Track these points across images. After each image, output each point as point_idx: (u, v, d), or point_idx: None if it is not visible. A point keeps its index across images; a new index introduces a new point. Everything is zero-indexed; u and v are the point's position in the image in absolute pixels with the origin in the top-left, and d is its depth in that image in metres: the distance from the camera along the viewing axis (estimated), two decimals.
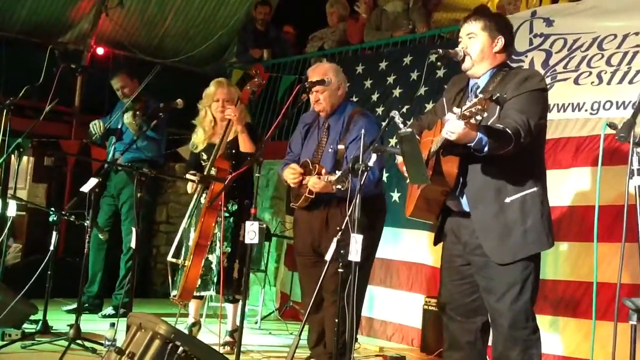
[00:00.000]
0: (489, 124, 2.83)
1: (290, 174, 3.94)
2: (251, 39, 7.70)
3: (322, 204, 3.89)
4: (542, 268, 3.03)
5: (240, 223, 4.41)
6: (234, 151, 4.41)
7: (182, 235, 4.40)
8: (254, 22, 7.76)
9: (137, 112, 5.26)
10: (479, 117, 2.59)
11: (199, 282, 4.29)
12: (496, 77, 2.96)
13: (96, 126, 5.45)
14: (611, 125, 2.87)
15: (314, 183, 3.78)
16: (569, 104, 4.48)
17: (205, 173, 4.32)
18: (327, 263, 3.15)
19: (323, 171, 3.79)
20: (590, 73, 4.48)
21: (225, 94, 4.52)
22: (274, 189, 6.59)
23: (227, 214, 4.40)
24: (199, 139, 4.61)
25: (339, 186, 3.44)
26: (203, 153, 4.57)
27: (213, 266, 4.40)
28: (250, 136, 4.40)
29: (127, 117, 5.27)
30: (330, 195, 3.77)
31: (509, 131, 2.70)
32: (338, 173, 3.49)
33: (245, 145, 4.38)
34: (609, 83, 4.37)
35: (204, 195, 4.37)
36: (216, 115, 4.57)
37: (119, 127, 5.50)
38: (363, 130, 3.36)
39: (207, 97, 4.59)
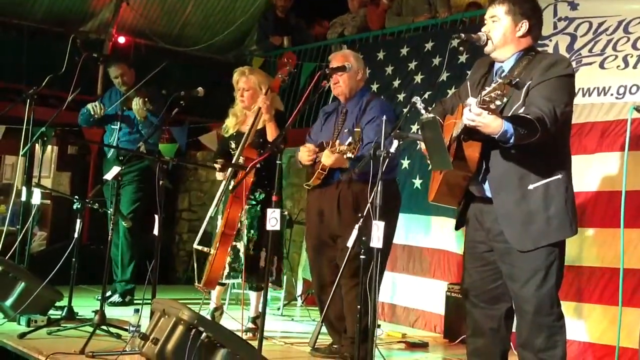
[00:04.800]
0: (513, 109, 2.79)
1: (305, 152, 3.96)
2: (271, 26, 7.69)
3: (334, 184, 3.90)
4: (567, 254, 2.99)
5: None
6: (261, 140, 4.39)
7: (208, 222, 4.41)
8: (274, 9, 7.74)
9: (146, 99, 5.29)
10: (498, 102, 2.55)
11: (226, 269, 4.31)
12: (522, 61, 2.90)
13: (97, 107, 5.44)
14: (638, 109, 2.84)
15: (326, 156, 3.80)
16: (595, 88, 4.42)
17: (233, 162, 4.33)
18: (349, 250, 3.15)
19: (337, 142, 3.78)
20: (616, 57, 4.40)
21: (244, 83, 4.52)
22: (295, 177, 6.59)
23: (254, 202, 4.41)
24: (230, 123, 4.64)
25: (349, 154, 3.44)
26: (232, 142, 4.57)
27: (241, 254, 4.40)
28: (278, 125, 4.36)
29: (137, 103, 5.30)
30: (342, 172, 3.78)
31: (535, 121, 2.65)
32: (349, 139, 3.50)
33: (272, 134, 4.33)
34: (635, 67, 4.29)
35: (232, 183, 4.37)
36: (239, 104, 4.58)
37: (119, 113, 5.52)
38: (385, 116, 3.34)
39: (234, 85, 4.62)
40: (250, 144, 4.36)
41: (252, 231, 4.37)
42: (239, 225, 4.31)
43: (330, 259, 3.98)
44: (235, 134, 4.57)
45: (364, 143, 3.75)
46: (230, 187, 4.29)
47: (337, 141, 3.81)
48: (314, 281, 4.15)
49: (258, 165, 4.11)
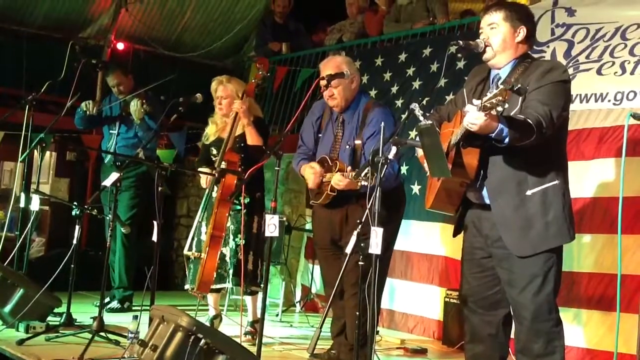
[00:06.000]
0: (511, 115, 2.81)
1: (311, 174, 3.90)
2: (270, 32, 7.69)
3: (341, 200, 3.86)
4: (565, 260, 3.00)
5: (254, 215, 4.45)
6: (242, 144, 4.46)
7: (196, 228, 4.44)
8: (273, 14, 7.75)
9: (144, 101, 5.32)
10: (499, 108, 2.57)
11: (214, 275, 4.33)
12: (518, 68, 2.93)
13: (89, 105, 5.46)
14: (635, 116, 2.85)
15: (338, 180, 3.73)
16: (592, 94, 4.43)
17: (216, 167, 4.38)
18: (347, 256, 3.15)
19: (348, 169, 3.74)
20: (614, 63, 4.42)
21: (222, 91, 4.60)
22: (294, 182, 6.59)
23: (239, 207, 4.43)
24: (210, 131, 4.72)
25: (364, 183, 3.35)
26: (213, 148, 4.64)
27: (227, 259, 4.45)
28: (257, 129, 4.44)
29: (134, 104, 5.32)
30: (350, 191, 3.75)
31: (531, 122, 2.68)
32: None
33: (252, 138, 4.43)
34: (632, 73, 4.31)
35: (215, 188, 4.43)
36: (218, 112, 4.65)
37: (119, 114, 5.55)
38: (383, 124, 3.34)
39: (212, 94, 4.69)
40: (231, 148, 4.41)
41: (239, 235, 4.39)
42: (227, 231, 4.33)
43: (340, 268, 3.97)
44: (215, 141, 4.64)
45: (366, 160, 3.72)
46: (220, 193, 4.30)
47: (348, 167, 3.75)
48: (327, 291, 4.15)
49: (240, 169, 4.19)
